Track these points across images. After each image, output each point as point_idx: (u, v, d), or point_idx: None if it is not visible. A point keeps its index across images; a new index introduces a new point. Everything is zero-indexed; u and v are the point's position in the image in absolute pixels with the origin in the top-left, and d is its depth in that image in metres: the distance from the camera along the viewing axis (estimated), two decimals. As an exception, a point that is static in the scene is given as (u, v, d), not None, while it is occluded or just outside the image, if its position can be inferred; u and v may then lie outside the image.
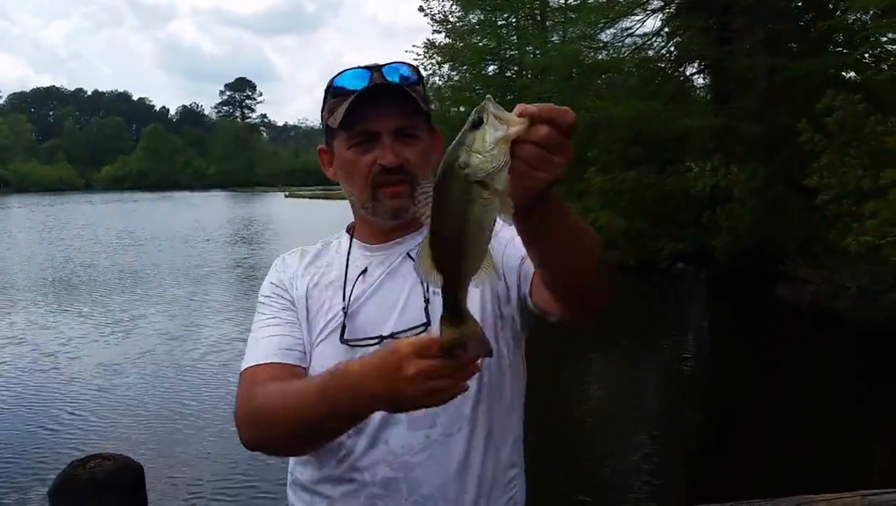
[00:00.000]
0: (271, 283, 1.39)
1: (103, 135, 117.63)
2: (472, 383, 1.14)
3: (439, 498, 1.20)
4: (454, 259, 0.87)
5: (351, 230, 1.41)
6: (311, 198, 63.86)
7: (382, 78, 1.27)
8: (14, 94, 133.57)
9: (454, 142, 0.83)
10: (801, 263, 12.89)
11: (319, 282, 1.35)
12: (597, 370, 8.96)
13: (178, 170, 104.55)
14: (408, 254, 1.29)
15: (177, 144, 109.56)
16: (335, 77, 1.31)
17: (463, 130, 0.83)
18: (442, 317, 0.94)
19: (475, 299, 1.23)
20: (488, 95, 0.84)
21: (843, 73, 15.06)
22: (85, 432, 6.74)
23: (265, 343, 1.29)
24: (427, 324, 1.21)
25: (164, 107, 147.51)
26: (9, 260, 20.43)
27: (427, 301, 1.23)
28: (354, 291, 1.30)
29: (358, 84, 1.26)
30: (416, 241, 1.25)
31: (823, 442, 6.17)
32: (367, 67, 1.28)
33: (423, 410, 1.04)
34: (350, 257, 1.34)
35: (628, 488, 5.44)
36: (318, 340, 1.29)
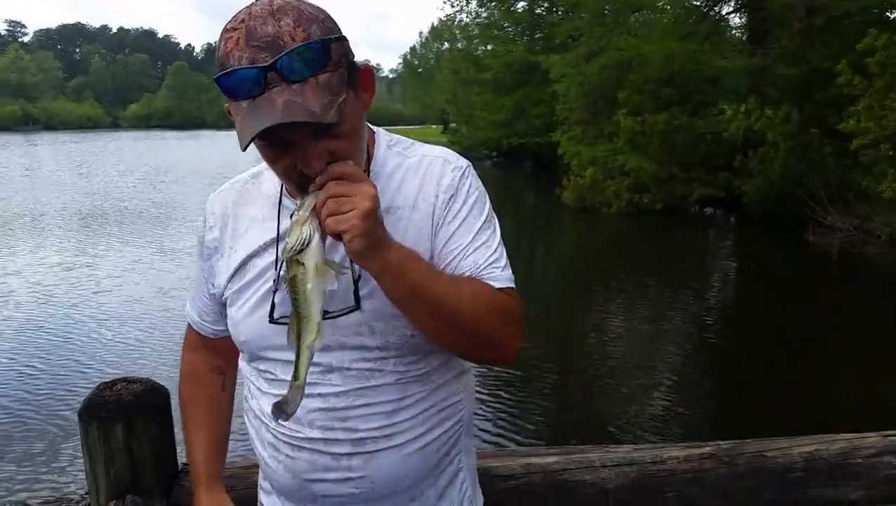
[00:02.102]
0: (200, 231, 1.35)
1: (129, 72, 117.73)
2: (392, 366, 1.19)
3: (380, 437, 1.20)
4: (298, 329, 1.04)
5: None
6: (336, 138, 63.60)
7: (280, 78, 1.00)
8: (40, 30, 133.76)
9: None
10: (833, 210, 12.67)
11: (250, 235, 1.25)
12: (622, 312, 8.97)
13: (203, 108, 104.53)
14: None
15: (203, 82, 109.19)
16: (220, 74, 1.03)
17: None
18: (298, 383, 1.06)
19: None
20: (313, 191, 1.02)
21: (888, 14, 14.46)
22: (112, 357, 6.96)
23: (190, 303, 1.43)
24: (356, 308, 1.14)
25: (189, 44, 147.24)
26: (42, 194, 20.75)
27: (356, 281, 1.14)
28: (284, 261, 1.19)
29: (247, 89, 1.01)
30: None
31: (846, 384, 6.17)
32: (255, 67, 0.99)
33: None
34: (281, 211, 1.22)
35: (651, 423, 5.51)
36: (245, 305, 1.24)
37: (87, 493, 1.61)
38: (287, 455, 1.23)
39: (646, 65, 16.12)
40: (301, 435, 1.21)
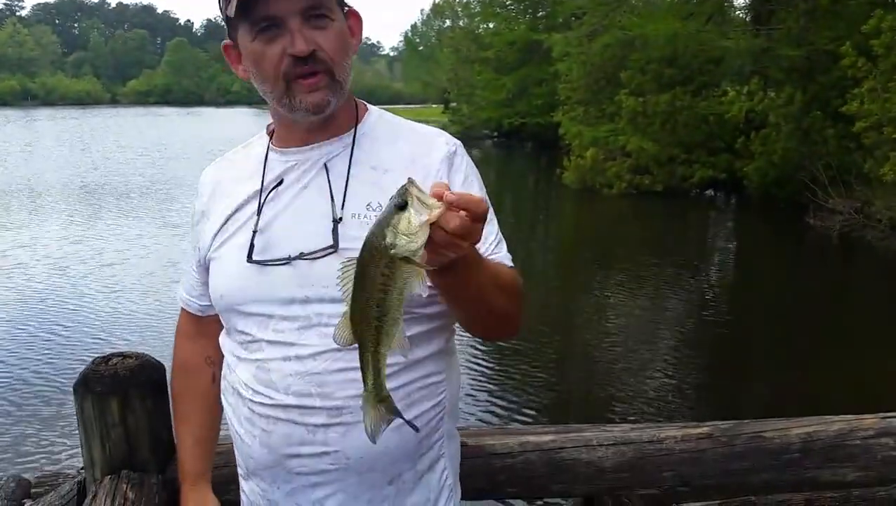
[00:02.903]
0: (193, 203, 1.37)
1: (128, 48, 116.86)
2: None
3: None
4: (375, 331, 0.94)
5: (271, 132, 1.31)
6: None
7: None
8: (38, 4, 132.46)
9: (378, 220, 0.90)
10: (833, 193, 12.63)
11: (235, 191, 1.27)
12: (621, 293, 8.97)
13: (202, 85, 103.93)
14: (324, 164, 1.20)
15: (201, 58, 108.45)
16: None
17: (387, 209, 0.89)
18: (366, 395, 0.99)
19: None
20: (410, 178, 0.90)
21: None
22: (108, 332, 6.97)
23: (182, 283, 1.43)
24: (333, 248, 1.13)
25: (188, 20, 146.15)
26: (40, 170, 20.67)
27: (335, 221, 1.15)
28: (267, 203, 1.22)
29: None
30: (333, 147, 1.22)
31: (845, 366, 6.19)
32: None
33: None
34: (267, 165, 1.25)
35: (648, 403, 5.53)
36: (224, 258, 1.24)
37: (83, 468, 1.61)
38: (262, 429, 1.21)
39: (649, 45, 15.99)
40: (276, 402, 1.18)
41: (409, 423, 1.06)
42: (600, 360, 6.59)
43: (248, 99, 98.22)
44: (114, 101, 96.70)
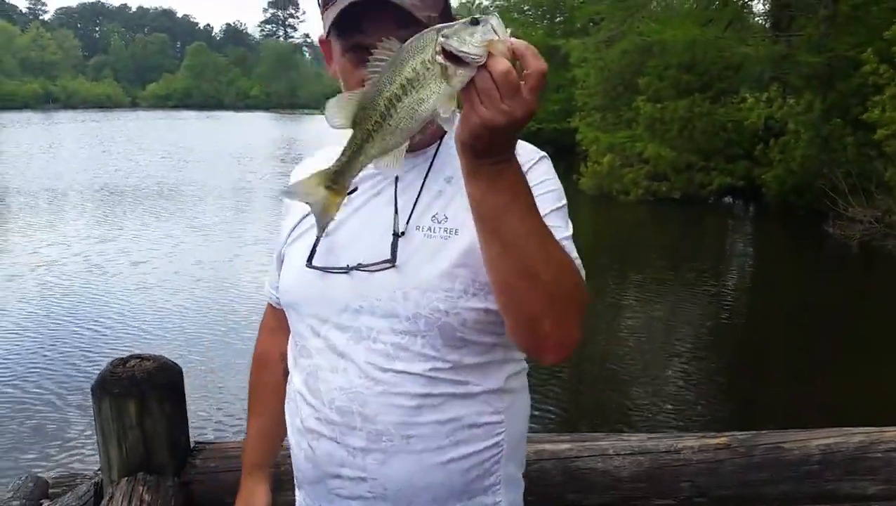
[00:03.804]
0: (284, 200, 1.39)
1: (148, 52, 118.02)
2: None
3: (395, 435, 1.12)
4: (374, 125, 0.87)
5: None
6: (353, 121, 63.73)
7: None
8: (61, 8, 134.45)
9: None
10: (853, 201, 12.49)
11: None
12: (638, 301, 8.92)
13: (221, 90, 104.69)
14: (396, 175, 1.18)
15: (221, 63, 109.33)
16: None
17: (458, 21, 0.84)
18: (323, 171, 0.94)
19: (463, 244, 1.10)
20: (496, 13, 0.84)
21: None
22: (126, 335, 7.03)
23: (269, 276, 1.40)
24: (390, 262, 1.11)
25: (208, 24, 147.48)
26: (64, 171, 20.90)
27: (396, 235, 1.12)
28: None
29: None
30: (416, 160, 1.18)
31: (865, 377, 6.11)
32: None
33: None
34: None
35: (666, 412, 5.49)
36: (293, 256, 1.24)
37: (99, 469, 1.62)
38: (308, 443, 1.20)
39: (667, 51, 15.92)
40: (322, 416, 1.16)
41: (325, 218, 1.00)
42: (617, 367, 6.54)
43: (267, 104, 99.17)
44: (133, 105, 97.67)
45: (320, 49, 1.22)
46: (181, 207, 15.21)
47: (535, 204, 0.95)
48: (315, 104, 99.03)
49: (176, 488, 1.54)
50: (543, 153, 1.20)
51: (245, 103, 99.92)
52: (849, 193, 12.64)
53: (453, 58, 0.82)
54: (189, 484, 1.53)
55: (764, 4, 19.03)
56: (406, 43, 0.84)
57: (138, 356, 1.57)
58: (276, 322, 1.41)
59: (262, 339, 1.47)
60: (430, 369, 1.12)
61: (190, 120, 60.39)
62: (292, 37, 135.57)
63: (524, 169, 1.08)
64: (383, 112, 0.85)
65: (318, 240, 1.18)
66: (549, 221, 1.04)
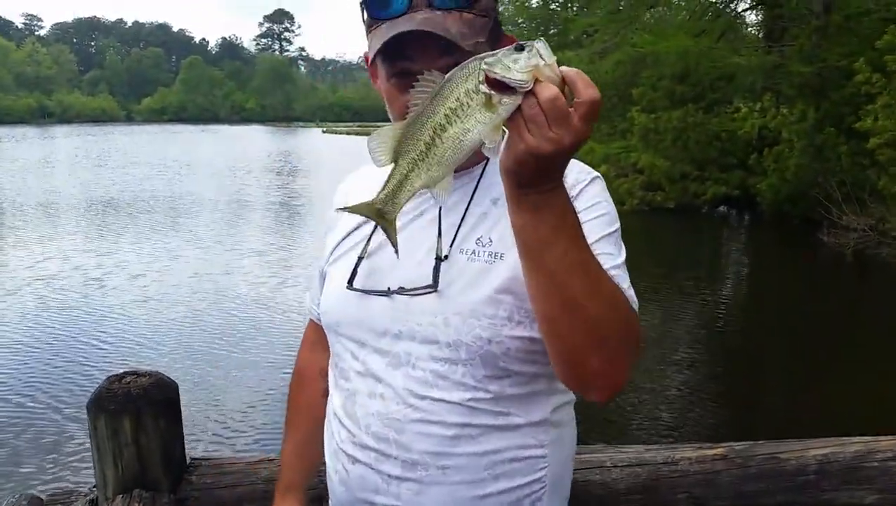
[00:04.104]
0: (328, 215, 1.36)
1: (143, 66, 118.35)
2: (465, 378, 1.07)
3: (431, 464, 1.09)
4: (418, 156, 0.85)
5: None
6: (347, 134, 63.88)
7: (427, 3, 1.05)
8: (57, 23, 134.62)
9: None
10: (847, 210, 12.55)
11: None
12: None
13: (217, 103, 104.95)
14: None
15: (216, 77, 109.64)
16: None
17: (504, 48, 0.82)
18: (370, 203, 0.91)
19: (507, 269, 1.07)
20: (542, 38, 0.82)
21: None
22: (122, 350, 7.00)
23: (311, 291, 1.39)
24: (432, 287, 1.07)
25: (203, 38, 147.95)
26: (59, 185, 20.89)
27: (439, 259, 1.09)
28: (378, 231, 1.16)
29: (392, 8, 1.06)
30: (461, 180, 1.14)
31: (861, 387, 6.11)
32: None
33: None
34: None
35: (662, 423, 5.49)
36: (335, 275, 1.22)
37: (94, 486, 1.61)
38: (343, 466, 1.17)
39: (660, 62, 16.01)
40: (357, 440, 1.14)
41: (395, 246, 0.97)
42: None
43: (262, 117, 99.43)
44: (129, 119, 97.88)
45: (368, 66, 1.19)
46: (178, 221, 15.22)
47: (582, 234, 0.91)
48: (310, 117, 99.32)
49: (172, 505, 1.53)
50: (596, 173, 1.16)
51: (240, 116, 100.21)
52: (843, 202, 12.70)
53: (498, 85, 0.79)
54: (185, 501, 1.52)
55: (757, 15, 19.14)
56: (449, 73, 0.82)
57: (134, 372, 1.57)
58: (316, 338, 1.39)
59: (302, 354, 1.45)
60: (470, 399, 1.08)
61: (185, 133, 60.52)
62: (288, 50, 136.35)
63: (575, 190, 1.08)
64: (428, 143, 0.84)
65: (359, 261, 1.17)
66: (599, 248, 1.01)
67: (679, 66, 15.81)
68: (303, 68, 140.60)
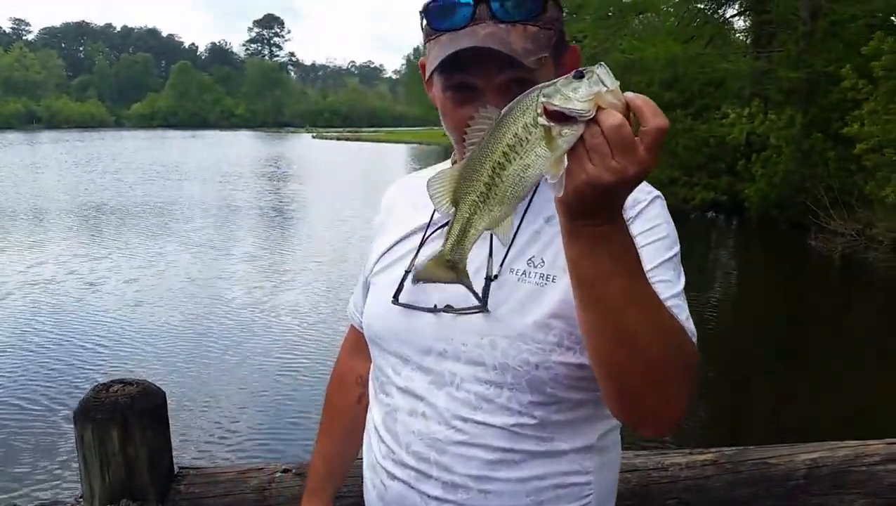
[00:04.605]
0: (375, 221, 1.34)
1: (132, 72, 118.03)
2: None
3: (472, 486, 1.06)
4: (479, 198, 0.81)
5: (454, 161, 1.22)
6: (337, 139, 63.89)
7: (489, 15, 1.00)
8: (45, 28, 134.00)
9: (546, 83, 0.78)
10: (835, 214, 12.64)
11: (406, 218, 1.21)
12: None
13: (206, 108, 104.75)
14: None
15: (205, 82, 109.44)
16: (430, 1, 1.05)
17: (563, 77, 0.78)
18: (439, 253, 0.88)
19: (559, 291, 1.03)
20: (602, 63, 0.77)
21: (893, 18, 14.42)
22: (109, 358, 6.94)
23: (354, 297, 1.37)
24: (481, 309, 1.03)
25: (193, 43, 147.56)
26: (43, 192, 20.76)
27: (489, 279, 1.05)
28: (429, 241, 1.15)
29: (454, 19, 1.02)
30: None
31: (849, 391, 6.15)
32: None
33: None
34: None
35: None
36: (379, 286, 1.20)
37: (81, 496, 1.59)
38: (381, 482, 1.15)
39: (649, 68, 16.10)
40: (397, 458, 1.12)
41: (475, 295, 0.96)
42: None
43: (252, 122, 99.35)
44: (118, 124, 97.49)
45: (421, 71, 1.12)
46: (169, 226, 15.16)
47: (641, 269, 0.86)
48: (300, 122, 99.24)
49: (160, 514, 1.52)
50: (657, 193, 1.10)
51: (230, 122, 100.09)
52: (830, 207, 12.80)
53: (558, 116, 0.75)
54: (173, 510, 1.51)
55: (744, 21, 19.29)
56: (506, 108, 0.79)
57: (121, 381, 1.56)
58: (356, 343, 1.36)
59: (341, 358, 1.43)
60: (514, 425, 1.05)
61: (175, 139, 60.34)
62: (277, 56, 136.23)
63: (633, 211, 1.04)
64: (487, 183, 0.80)
65: (406, 274, 1.13)
66: (658, 275, 0.98)
67: (668, 72, 15.91)
68: (293, 73, 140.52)
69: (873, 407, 5.72)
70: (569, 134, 0.76)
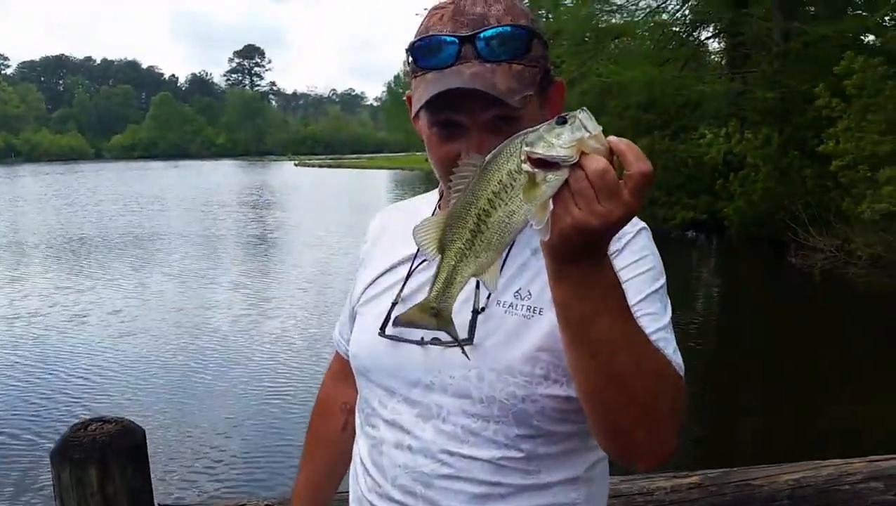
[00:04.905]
0: (360, 250, 1.33)
1: (113, 104, 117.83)
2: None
3: None
4: (465, 245, 0.82)
5: (442, 191, 1.22)
6: (320, 166, 63.99)
7: (475, 54, 1.00)
8: (24, 62, 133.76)
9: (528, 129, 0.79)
10: (814, 231, 12.80)
11: (393, 247, 1.21)
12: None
13: (187, 139, 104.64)
14: None
15: (186, 112, 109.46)
16: (416, 40, 1.05)
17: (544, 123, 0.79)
18: (424, 301, 0.87)
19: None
20: (584, 108, 0.78)
21: (862, 38, 14.75)
22: (88, 396, 6.81)
23: (340, 324, 1.36)
24: (468, 342, 1.03)
25: (173, 75, 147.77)
26: (22, 225, 20.58)
27: (476, 311, 1.05)
28: (415, 272, 1.15)
29: (439, 58, 1.02)
30: None
31: (831, 408, 6.17)
32: (455, 36, 1.01)
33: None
34: None
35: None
36: (366, 316, 1.19)
37: (59, 538, 1.56)
38: None
39: (626, 91, 16.33)
40: (383, 491, 1.10)
41: (458, 343, 0.95)
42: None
43: (233, 151, 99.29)
44: (98, 157, 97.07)
45: (408, 104, 1.13)
46: (152, 257, 15.07)
47: (627, 308, 0.87)
48: (282, 151, 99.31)
49: (140, 555, 1.49)
50: (643, 224, 1.10)
51: (211, 152, 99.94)
52: (809, 224, 12.96)
53: (542, 163, 0.76)
54: (154, 550, 1.48)
55: (719, 43, 19.64)
56: (490, 155, 0.80)
57: (100, 419, 1.54)
58: (340, 370, 1.36)
59: (325, 384, 1.42)
60: (501, 458, 1.04)
61: (157, 170, 60.11)
62: (258, 85, 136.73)
63: (619, 244, 1.03)
64: (473, 230, 0.81)
65: (393, 306, 1.13)
66: (644, 308, 0.99)
67: (645, 94, 16.14)
68: (274, 102, 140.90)
69: (856, 423, 5.74)
70: (553, 179, 0.77)
